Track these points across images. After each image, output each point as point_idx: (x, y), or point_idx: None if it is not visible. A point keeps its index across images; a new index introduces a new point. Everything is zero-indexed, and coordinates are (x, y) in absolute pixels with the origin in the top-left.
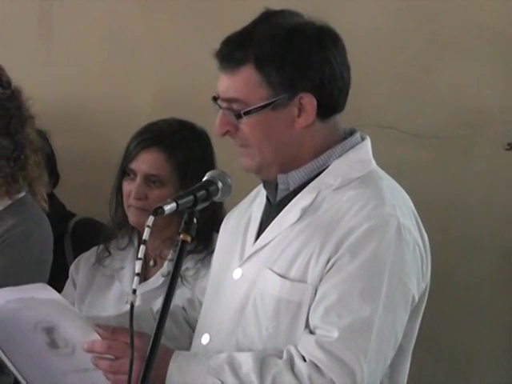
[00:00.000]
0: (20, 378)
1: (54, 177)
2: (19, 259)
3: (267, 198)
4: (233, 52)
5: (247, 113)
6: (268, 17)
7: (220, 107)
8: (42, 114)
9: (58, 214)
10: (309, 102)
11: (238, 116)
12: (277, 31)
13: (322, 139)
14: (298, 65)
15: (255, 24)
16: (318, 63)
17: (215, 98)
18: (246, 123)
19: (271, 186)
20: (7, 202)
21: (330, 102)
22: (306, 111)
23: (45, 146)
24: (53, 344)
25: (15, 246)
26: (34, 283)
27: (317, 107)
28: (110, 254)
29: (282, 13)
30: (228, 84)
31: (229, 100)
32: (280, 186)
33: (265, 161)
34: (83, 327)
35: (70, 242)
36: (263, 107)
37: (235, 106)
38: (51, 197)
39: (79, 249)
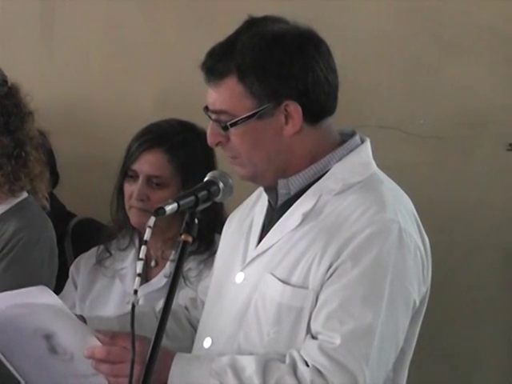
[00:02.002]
0: (22, 382)
1: (54, 177)
2: (32, 266)
3: (269, 201)
4: (216, 64)
5: (233, 124)
6: (250, 25)
7: (210, 118)
8: (42, 114)
9: (58, 214)
10: (294, 109)
11: (225, 128)
12: (257, 41)
13: (315, 144)
14: (280, 74)
15: (237, 34)
16: (300, 70)
17: (206, 108)
18: (234, 134)
19: (272, 191)
20: (11, 201)
21: (317, 107)
22: (293, 118)
23: (45, 144)
24: (52, 350)
25: (26, 252)
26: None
27: (304, 113)
28: (110, 254)
29: (264, 20)
30: (214, 96)
31: (216, 112)
32: (281, 191)
33: (256, 170)
34: (82, 333)
35: (70, 243)
36: (248, 118)
37: (223, 117)
38: (51, 197)
39: (80, 249)
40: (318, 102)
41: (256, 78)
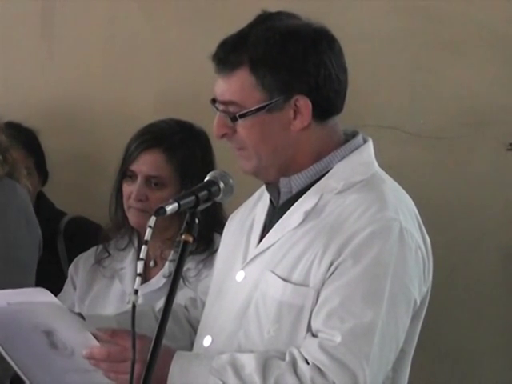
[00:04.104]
0: (22, 376)
1: (43, 175)
2: (10, 229)
3: (270, 200)
4: (228, 55)
5: (242, 116)
6: (264, 19)
7: (217, 109)
8: (43, 113)
9: (48, 212)
10: (304, 104)
11: (234, 119)
12: (271, 34)
13: (320, 141)
14: (293, 68)
15: (251, 27)
16: (313, 66)
17: (214, 101)
18: (241, 126)
19: (274, 189)
20: None
21: (327, 104)
22: (302, 113)
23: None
24: (53, 345)
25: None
26: (30, 256)
27: (313, 109)
28: (109, 254)
29: (278, 15)
30: (224, 87)
31: (225, 103)
32: (282, 190)
33: (261, 163)
34: (81, 332)
35: (63, 242)
36: (258, 110)
37: (231, 108)
38: (40, 195)
39: (73, 248)
40: (328, 99)
41: (268, 70)
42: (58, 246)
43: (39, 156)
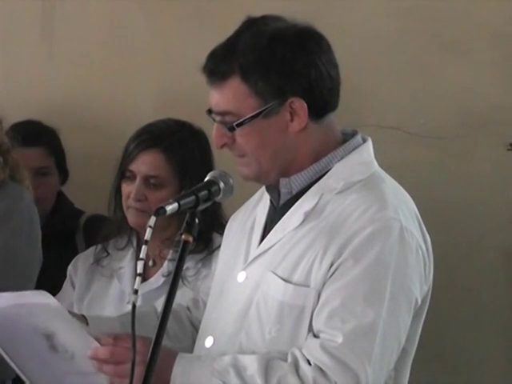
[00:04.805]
0: (23, 377)
1: (63, 174)
2: (9, 234)
3: (271, 201)
4: (218, 66)
5: (239, 124)
6: (250, 25)
7: (214, 120)
8: (43, 113)
9: (67, 211)
10: (299, 105)
11: (231, 128)
12: (258, 40)
13: (318, 140)
14: (283, 71)
15: (237, 34)
16: (303, 66)
17: (210, 112)
18: (240, 134)
19: (274, 190)
20: None
21: (322, 103)
22: (298, 115)
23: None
24: (53, 348)
25: (2, 222)
26: (29, 260)
27: (308, 109)
28: (108, 254)
29: (263, 19)
30: (218, 98)
31: (221, 113)
32: (283, 190)
33: (262, 169)
34: (81, 335)
35: (82, 239)
36: (254, 117)
37: (228, 118)
38: (60, 195)
39: (92, 246)
40: (322, 97)
41: (259, 76)
42: (78, 244)
43: (60, 155)
